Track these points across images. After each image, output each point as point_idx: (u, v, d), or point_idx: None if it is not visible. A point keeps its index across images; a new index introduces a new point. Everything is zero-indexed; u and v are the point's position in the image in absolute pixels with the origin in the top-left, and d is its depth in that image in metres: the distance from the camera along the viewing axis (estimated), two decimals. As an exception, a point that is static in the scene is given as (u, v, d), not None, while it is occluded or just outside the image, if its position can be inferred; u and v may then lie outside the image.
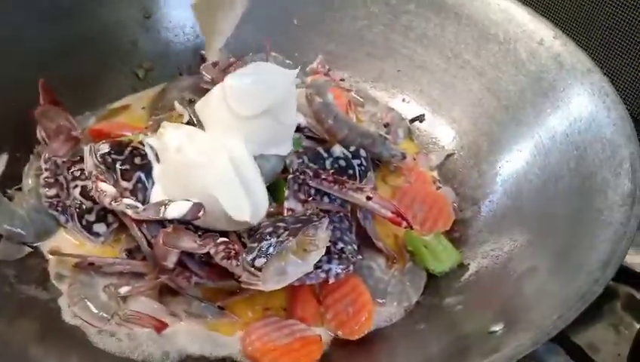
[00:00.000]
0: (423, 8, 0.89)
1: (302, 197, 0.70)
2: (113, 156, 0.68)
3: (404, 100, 0.91)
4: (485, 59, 0.83)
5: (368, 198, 0.70)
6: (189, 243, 0.63)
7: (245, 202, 0.63)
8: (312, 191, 0.71)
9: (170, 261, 0.62)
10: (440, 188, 0.82)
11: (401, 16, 0.91)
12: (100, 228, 0.70)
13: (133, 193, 0.67)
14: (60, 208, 0.70)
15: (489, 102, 0.82)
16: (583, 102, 0.70)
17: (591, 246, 0.56)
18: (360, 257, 0.68)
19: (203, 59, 0.92)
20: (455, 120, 0.86)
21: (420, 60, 0.90)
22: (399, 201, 0.77)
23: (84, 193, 0.70)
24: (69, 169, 0.71)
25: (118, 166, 0.68)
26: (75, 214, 0.69)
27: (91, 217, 0.70)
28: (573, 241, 0.59)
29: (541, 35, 0.78)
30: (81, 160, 0.71)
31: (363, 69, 0.94)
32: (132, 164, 0.68)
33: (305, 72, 0.92)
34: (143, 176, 0.68)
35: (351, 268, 0.66)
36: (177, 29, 0.93)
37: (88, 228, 0.70)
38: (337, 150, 0.76)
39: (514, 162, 0.75)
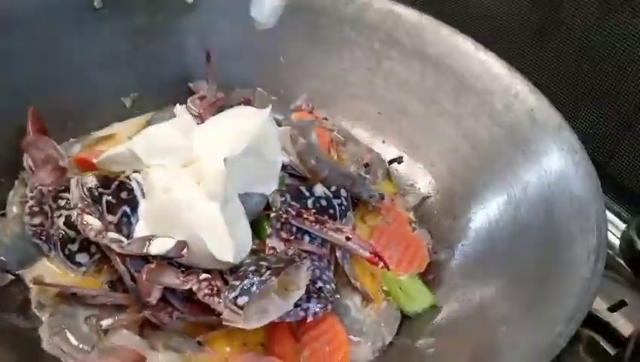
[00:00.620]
0: (405, 56, 0.92)
1: (284, 235, 0.71)
2: (100, 190, 0.69)
3: (383, 142, 0.93)
4: (463, 108, 0.86)
5: (348, 239, 0.72)
6: (172, 279, 0.64)
7: (229, 242, 0.65)
8: (294, 230, 0.73)
9: (154, 297, 0.63)
10: (415, 229, 0.84)
11: (384, 61, 0.93)
12: (82, 258, 0.70)
13: (118, 227, 0.68)
14: (43, 237, 0.70)
15: (465, 150, 0.85)
16: (554, 157, 0.74)
17: (557, 299, 0.58)
18: (337, 296, 0.70)
19: (191, 92, 0.94)
20: (432, 163, 0.89)
21: (400, 104, 0.92)
22: (376, 241, 0.79)
23: (68, 222, 0.70)
24: (54, 198, 0.72)
25: (104, 199, 0.68)
26: (59, 243, 0.70)
27: (74, 247, 0.70)
28: (542, 292, 0.61)
29: (517, 88, 0.82)
30: (67, 189, 0.72)
31: (345, 109, 0.96)
32: (118, 198, 0.69)
33: (289, 110, 0.95)
34: (128, 210, 0.69)
35: (329, 307, 0.67)
36: (165, 61, 0.95)
37: (71, 257, 0.70)
38: (319, 190, 0.78)
39: (487, 209, 0.78)
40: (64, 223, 0.70)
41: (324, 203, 0.77)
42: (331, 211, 0.76)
